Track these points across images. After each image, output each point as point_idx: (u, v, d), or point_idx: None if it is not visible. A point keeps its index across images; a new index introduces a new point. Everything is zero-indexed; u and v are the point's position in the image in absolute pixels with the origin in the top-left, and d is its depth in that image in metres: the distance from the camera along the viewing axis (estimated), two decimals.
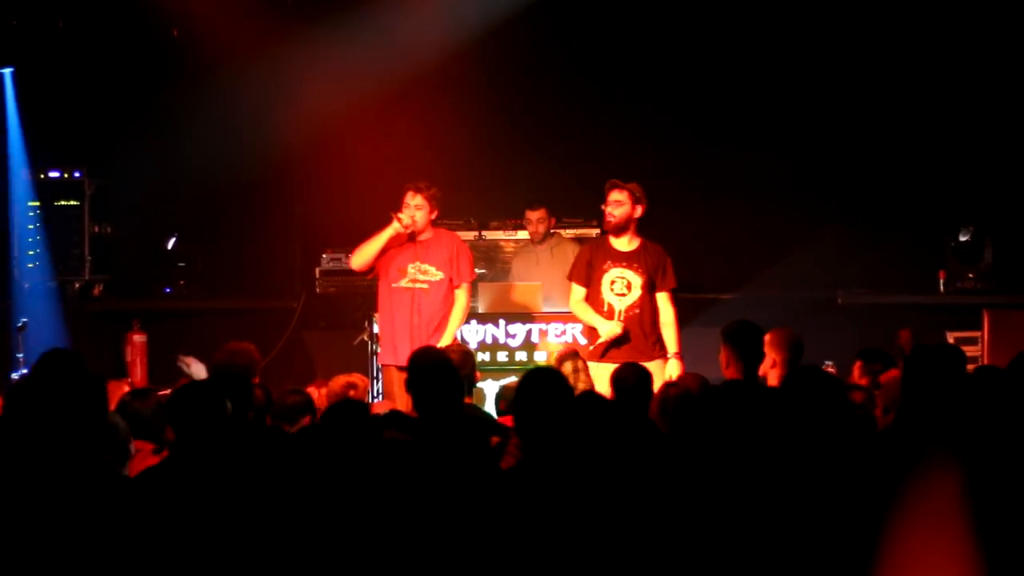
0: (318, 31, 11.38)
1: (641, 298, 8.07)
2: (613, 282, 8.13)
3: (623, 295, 8.10)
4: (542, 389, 4.87)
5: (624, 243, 8.16)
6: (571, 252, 10.27)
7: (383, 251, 8.38)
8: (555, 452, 4.53)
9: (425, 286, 8.35)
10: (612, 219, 8.09)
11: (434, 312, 8.34)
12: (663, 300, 8.14)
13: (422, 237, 8.38)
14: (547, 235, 10.47)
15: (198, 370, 6.76)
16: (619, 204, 8.08)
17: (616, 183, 8.15)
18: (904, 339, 7.55)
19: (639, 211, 8.11)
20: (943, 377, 4.28)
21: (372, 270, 8.51)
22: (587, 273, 8.18)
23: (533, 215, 10.44)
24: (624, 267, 8.11)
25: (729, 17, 11.47)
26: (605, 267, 8.14)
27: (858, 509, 3.83)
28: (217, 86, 11.28)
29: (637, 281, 8.11)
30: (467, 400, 6.66)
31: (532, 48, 11.69)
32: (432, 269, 8.39)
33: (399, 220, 8.27)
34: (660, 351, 8.05)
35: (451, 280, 8.42)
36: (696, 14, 11.52)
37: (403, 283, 8.36)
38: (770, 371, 6.59)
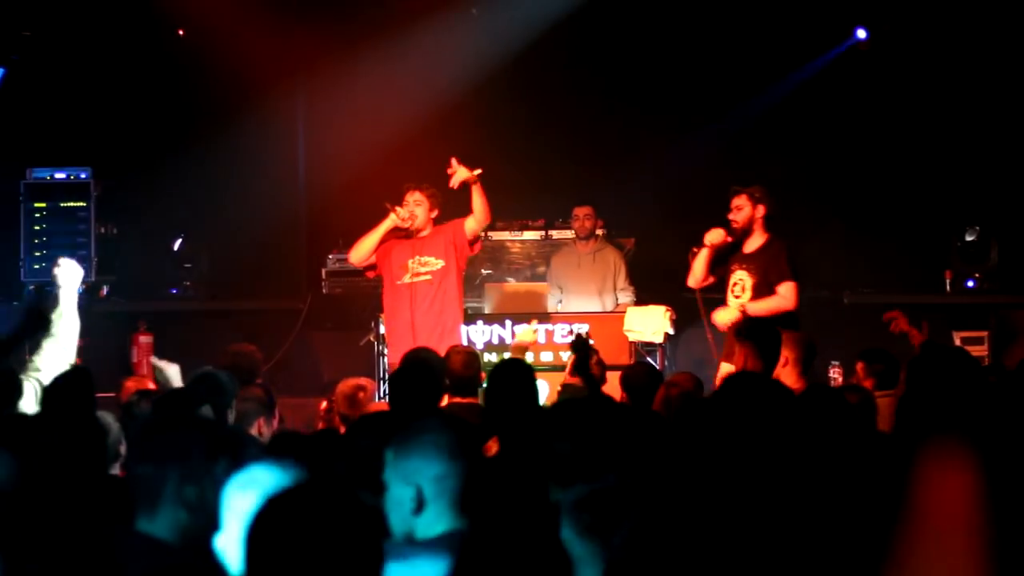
0: (326, 33, 11.39)
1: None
2: (734, 284, 8.26)
3: (739, 297, 8.24)
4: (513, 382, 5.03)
5: (751, 245, 8.31)
6: (612, 259, 10.28)
7: (382, 246, 8.40)
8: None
9: (428, 277, 8.35)
10: (736, 224, 8.25)
11: (437, 304, 8.34)
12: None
13: (422, 234, 8.39)
14: (592, 234, 10.39)
15: (173, 373, 6.72)
16: (739, 209, 8.26)
17: (735, 188, 8.32)
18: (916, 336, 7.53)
19: (761, 211, 8.25)
20: (948, 377, 4.27)
21: (374, 267, 8.53)
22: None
23: (580, 211, 10.33)
24: (743, 269, 8.26)
25: (735, 18, 11.46)
26: (731, 268, 8.31)
27: (861, 511, 3.82)
28: (223, 86, 11.30)
29: (749, 283, 8.24)
30: (473, 400, 6.66)
31: (537, 48, 11.69)
32: (431, 259, 8.38)
33: (396, 212, 8.30)
34: None
35: (457, 265, 8.40)
36: (702, 16, 11.51)
37: (405, 279, 8.37)
38: (782, 371, 6.57)
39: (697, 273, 8.37)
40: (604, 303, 10.11)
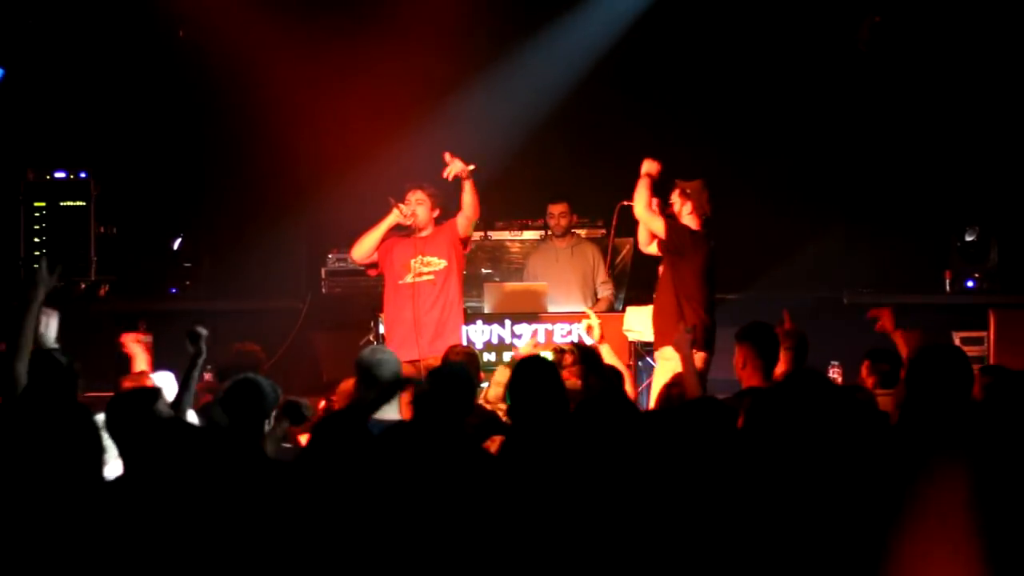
0: (325, 33, 11.39)
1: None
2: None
3: None
4: (535, 378, 5.01)
5: None
6: (591, 253, 10.28)
7: (384, 244, 8.43)
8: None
9: (430, 277, 8.44)
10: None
11: (439, 304, 8.42)
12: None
13: (423, 234, 8.45)
14: (568, 230, 10.38)
15: (166, 382, 6.76)
16: (672, 204, 8.51)
17: (677, 181, 8.56)
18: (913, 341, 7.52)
19: (689, 207, 8.50)
20: (947, 378, 4.27)
21: (375, 265, 8.55)
22: None
23: (555, 208, 10.33)
24: None
25: (736, 19, 11.46)
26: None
27: (864, 511, 3.82)
28: (224, 87, 11.31)
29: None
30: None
31: (537, 48, 11.69)
32: (434, 259, 8.48)
33: (399, 209, 8.32)
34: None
35: (457, 265, 8.50)
36: (704, 16, 11.51)
37: (407, 279, 8.41)
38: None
39: (642, 200, 8.45)
40: (584, 299, 10.11)
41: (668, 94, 11.60)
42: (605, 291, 10.18)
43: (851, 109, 11.45)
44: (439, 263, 8.47)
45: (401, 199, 8.48)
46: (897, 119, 11.41)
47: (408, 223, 8.40)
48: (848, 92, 11.46)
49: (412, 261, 8.44)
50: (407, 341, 8.21)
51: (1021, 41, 11.02)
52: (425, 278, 8.44)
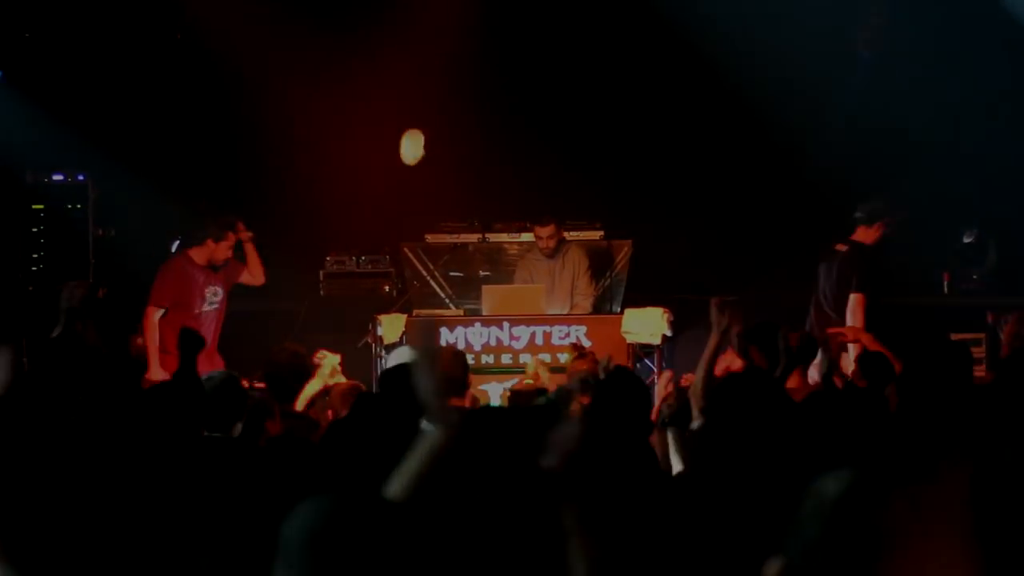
0: (321, 33, 11.41)
1: None
2: None
3: None
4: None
5: None
6: (579, 257, 10.24)
7: (182, 278, 9.20)
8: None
9: (216, 306, 9.27)
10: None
11: (216, 331, 9.26)
12: None
13: (217, 267, 9.33)
14: (556, 251, 10.31)
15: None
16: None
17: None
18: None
19: None
20: (947, 376, 4.27)
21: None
22: None
23: (543, 231, 10.24)
24: None
25: (734, 17, 11.46)
26: None
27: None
28: (220, 89, 11.31)
29: None
30: (459, 402, 6.61)
31: (536, 50, 11.71)
32: (219, 290, 9.30)
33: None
34: None
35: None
36: (700, 12, 11.52)
37: (205, 307, 9.17)
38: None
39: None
40: (566, 306, 10.15)
41: (667, 95, 11.60)
42: (580, 300, 10.15)
43: (850, 110, 11.45)
44: (221, 293, 9.24)
45: (228, 232, 9.26)
46: (896, 118, 11.40)
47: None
48: (846, 93, 11.46)
49: (207, 291, 9.18)
50: (204, 365, 8.69)
51: (1020, 42, 11.02)
52: (215, 306, 9.20)
